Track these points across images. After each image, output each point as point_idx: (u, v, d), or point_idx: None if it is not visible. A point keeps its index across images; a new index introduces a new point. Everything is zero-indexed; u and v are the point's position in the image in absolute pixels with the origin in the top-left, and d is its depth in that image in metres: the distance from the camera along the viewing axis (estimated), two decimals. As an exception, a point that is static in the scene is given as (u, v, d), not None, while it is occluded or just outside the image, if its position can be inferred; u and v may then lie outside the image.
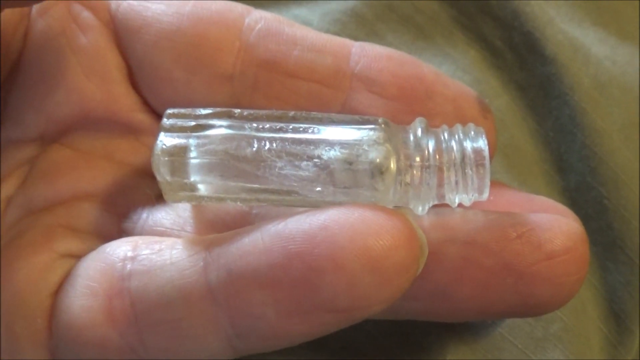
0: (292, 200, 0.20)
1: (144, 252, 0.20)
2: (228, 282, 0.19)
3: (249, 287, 0.18)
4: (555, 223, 0.20)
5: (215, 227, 0.22)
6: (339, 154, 0.19)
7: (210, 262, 0.19)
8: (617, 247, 0.27)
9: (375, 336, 0.25)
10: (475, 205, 0.21)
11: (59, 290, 0.21)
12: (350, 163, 0.19)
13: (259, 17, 0.23)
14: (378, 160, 0.19)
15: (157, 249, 0.20)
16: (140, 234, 0.22)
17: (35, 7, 0.23)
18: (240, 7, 0.23)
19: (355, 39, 0.24)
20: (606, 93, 0.28)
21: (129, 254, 0.20)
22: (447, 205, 0.21)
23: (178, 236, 0.22)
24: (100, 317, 0.20)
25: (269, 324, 0.19)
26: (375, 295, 0.18)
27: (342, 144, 0.19)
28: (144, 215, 0.23)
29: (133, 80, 0.24)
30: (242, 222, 0.22)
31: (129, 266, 0.20)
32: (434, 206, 0.21)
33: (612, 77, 0.28)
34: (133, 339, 0.20)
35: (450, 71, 0.29)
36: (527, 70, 0.29)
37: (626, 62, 0.29)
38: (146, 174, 0.24)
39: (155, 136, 0.20)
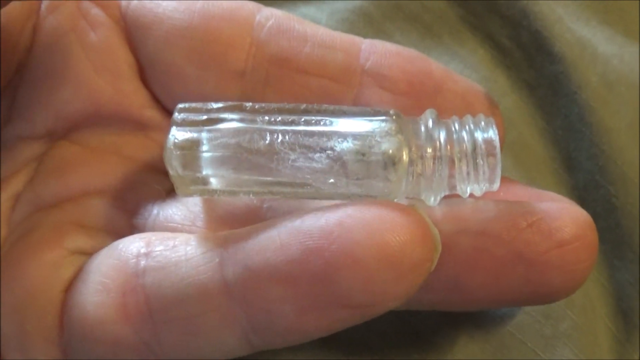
0: (305, 193, 0.20)
1: (158, 249, 0.20)
2: (245, 278, 0.19)
3: (266, 283, 0.19)
4: (564, 211, 0.20)
5: (226, 222, 0.22)
6: (351, 145, 0.19)
7: (227, 258, 0.19)
8: (626, 245, 0.27)
9: (385, 333, 0.25)
10: (484, 197, 0.21)
11: (70, 287, 0.21)
12: (363, 154, 0.19)
13: (270, 14, 0.23)
14: (391, 151, 0.19)
15: (171, 245, 0.20)
16: (152, 229, 0.22)
17: (45, 4, 0.23)
18: (251, 4, 0.23)
19: (363, 37, 0.24)
20: (614, 91, 0.28)
21: (143, 250, 0.20)
22: (458, 196, 0.21)
23: (189, 231, 0.22)
24: (114, 314, 0.20)
25: (285, 320, 0.19)
26: (391, 291, 0.18)
27: (355, 136, 0.19)
28: (155, 211, 0.23)
29: (143, 76, 0.24)
30: (253, 217, 0.22)
31: (143, 263, 0.20)
32: (445, 197, 0.21)
33: (620, 75, 0.28)
34: (147, 336, 0.20)
35: (458, 70, 0.29)
36: (535, 69, 0.29)
37: (634, 60, 0.29)
38: (156, 170, 0.24)
39: (167, 131, 0.20)
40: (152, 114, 0.24)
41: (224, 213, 0.22)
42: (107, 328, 0.20)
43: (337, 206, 0.19)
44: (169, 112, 0.24)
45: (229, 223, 0.22)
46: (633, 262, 0.27)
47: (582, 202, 0.28)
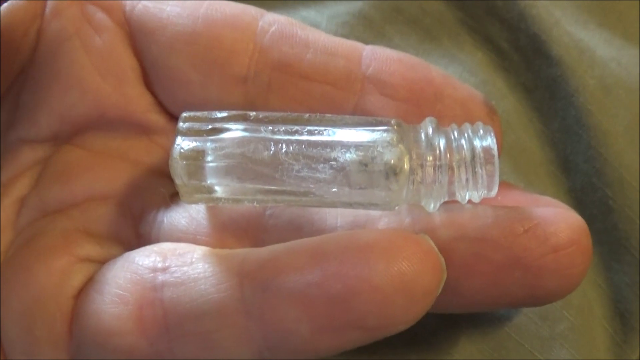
0: (308, 201, 0.20)
1: (175, 264, 0.21)
2: (264, 297, 0.19)
3: (284, 303, 0.19)
4: (559, 217, 0.20)
5: (229, 228, 0.22)
6: (354, 156, 0.20)
7: (246, 277, 0.20)
8: (623, 247, 0.27)
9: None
10: (482, 202, 0.21)
11: (81, 295, 0.22)
12: (366, 165, 0.20)
13: (273, 20, 0.23)
14: (392, 161, 0.19)
15: (188, 261, 0.21)
16: (158, 237, 0.23)
17: (49, 8, 0.24)
18: (253, 9, 0.24)
19: (363, 41, 0.24)
20: (612, 94, 0.28)
21: (159, 265, 0.21)
22: (457, 201, 0.21)
23: (195, 240, 0.22)
24: (130, 325, 0.20)
25: (301, 339, 0.19)
26: (403, 316, 0.19)
27: (357, 146, 0.20)
28: (159, 217, 0.23)
29: (147, 81, 0.24)
30: (255, 224, 0.22)
31: (160, 277, 0.21)
32: (444, 202, 0.21)
33: (618, 78, 0.29)
34: (163, 348, 0.20)
35: (457, 73, 0.29)
36: (533, 72, 0.29)
37: (631, 64, 0.29)
38: (160, 174, 0.24)
39: (172, 139, 0.21)
40: (156, 118, 0.24)
41: (227, 219, 0.22)
42: (123, 339, 0.20)
43: (354, 232, 0.20)
44: (173, 117, 0.24)
45: (232, 230, 0.22)
46: (630, 265, 0.27)
47: (579, 204, 0.28)
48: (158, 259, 0.21)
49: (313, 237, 0.20)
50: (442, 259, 0.20)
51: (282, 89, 0.23)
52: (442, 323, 0.25)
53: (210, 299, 0.20)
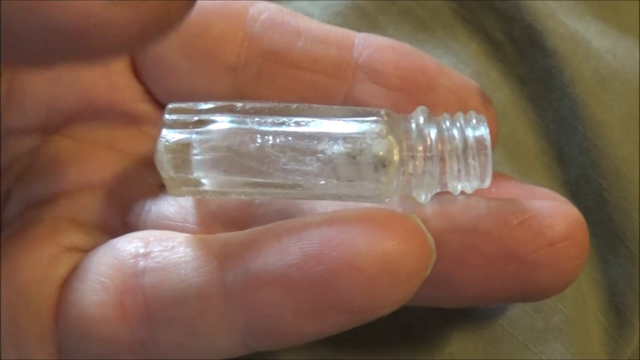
0: (296, 193, 0.20)
1: (157, 249, 0.20)
2: (244, 281, 0.19)
3: (265, 286, 0.19)
4: (555, 209, 0.20)
5: (217, 218, 0.22)
6: (342, 148, 0.19)
7: (226, 261, 0.19)
8: (618, 239, 0.27)
9: (376, 327, 0.25)
10: (476, 193, 0.21)
11: (66, 284, 0.21)
12: (354, 157, 0.19)
13: (263, 8, 0.23)
14: (381, 153, 0.19)
15: (170, 246, 0.20)
16: (145, 225, 0.22)
17: None
18: None
19: (357, 31, 0.24)
20: (607, 86, 0.28)
21: (141, 250, 0.21)
22: (450, 192, 0.21)
23: (182, 228, 0.22)
24: (112, 313, 0.20)
25: (283, 323, 0.19)
26: (389, 297, 0.19)
27: (345, 138, 0.19)
28: (147, 207, 0.23)
29: (136, 70, 0.24)
30: (244, 213, 0.22)
31: (142, 263, 0.20)
32: (437, 194, 0.21)
33: (613, 70, 0.28)
34: (145, 335, 0.20)
35: (451, 64, 0.29)
36: (528, 63, 0.29)
37: (627, 56, 0.29)
38: (149, 164, 0.23)
39: (158, 131, 0.20)
40: (145, 107, 0.24)
41: (216, 208, 0.22)
42: (104, 327, 0.20)
43: (337, 212, 0.19)
44: (161, 106, 0.24)
45: (221, 219, 0.22)
46: (626, 257, 0.27)
47: (574, 196, 0.28)
48: (140, 244, 0.21)
49: (294, 219, 0.19)
50: (431, 239, 0.19)
51: (273, 78, 0.23)
52: (435, 315, 0.25)
53: (190, 284, 0.19)
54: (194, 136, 0.20)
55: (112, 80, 0.24)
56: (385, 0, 0.29)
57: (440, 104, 0.22)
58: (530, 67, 0.29)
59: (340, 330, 0.19)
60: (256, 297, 0.19)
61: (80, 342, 0.21)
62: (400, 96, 0.22)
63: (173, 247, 0.20)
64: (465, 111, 0.21)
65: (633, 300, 0.27)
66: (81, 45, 0.15)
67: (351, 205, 0.21)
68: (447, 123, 0.20)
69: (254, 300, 0.19)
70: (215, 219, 0.22)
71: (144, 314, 0.20)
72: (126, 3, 0.15)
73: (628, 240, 0.27)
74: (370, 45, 0.23)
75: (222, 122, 0.20)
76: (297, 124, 0.20)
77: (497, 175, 0.22)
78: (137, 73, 0.24)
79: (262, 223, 0.21)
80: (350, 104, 0.22)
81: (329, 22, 0.28)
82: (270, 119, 0.20)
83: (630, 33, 0.30)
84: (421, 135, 0.20)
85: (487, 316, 0.26)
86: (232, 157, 0.20)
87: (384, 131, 0.19)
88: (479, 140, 0.20)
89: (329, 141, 0.19)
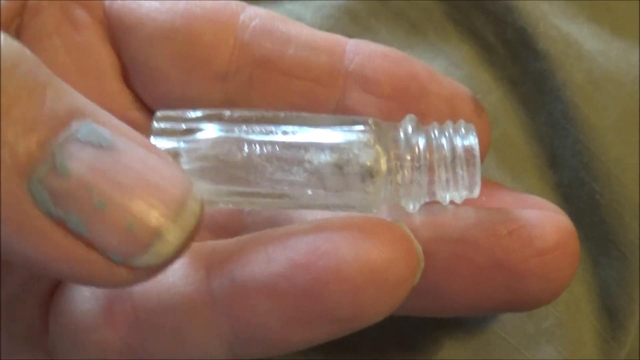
0: (284, 203, 0.20)
1: None
2: (231, 290, 0.19)
3: (252, 295, 0.19)
4: (545, 219, 0.20)
5: (207, 226, 0.22)
6: (329, 158, 0.19)
7: (213, 270, 0.19)
8: (610, 242, 0.27)
9: (369, 334, 0.24)
10: (466, 202, 0.21)
11: (56, 291, 0.21)
12: (341, 167, 0.19)
13: (254, 14, 0.23)
14: (368, 163, 0.19)
15: None
16: None
17: (29, 6, 0.23)
18: (234, 3, 0.23)
19: (349, 34, 0.24)
20: (600, 88, 0.28)
21: None
22: (439, 202, 0.21)
23: None
24: (101, 320, 0.20)
25: (270, 332, 0.19)
26: (376, 306, 0.18)
27: (332, 148, 0.19)
28: None
29: (127, 78, 0.24)
30: (234, 221, 0.22)
31: None
32: (426, 203, 0.21)
33: (606, 72, 0.28)
34: (134, 342, 0.20)
35: (443, 66, 0.28)
36: (519, 65, 0.29)
37: (620, 58, 0.29)
38: None
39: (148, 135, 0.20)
40: (135, 115, 0.24)
41: (206, 217, 0.22)
42: (95, 334, 0.20)
43: (323, 221, 0.19)
44: (152, 113, 0.24)
45: (210, 227, 0.22)
46: (618, 260, 0.27)
47: (566, 199, 0.28)
48: None
49: (281, 227, 0.19)
50: (419, 247, 0.19)
51: (263, 86, 0.23)
52: (426, 321, 0.25)
53: (177, 292, 0.19)
54: (182, 145, 0.20)
55: (103, 88, 0.23)
56: (377, 3, 0.29)
57: (432, 112, 0.22)
58: (522, 70, 0.29)
59: (328, 339, 0.19)
60: (243, 306, 0.19)
61: (71, 348, 0.21)
62: (392, 104, 0.22)
63: None
64: (457, 119, 0.21)
65: (626, 303, 0.27)
66: None
67: (340, 214, 0.21)
68: (436, 132, 0.20)
69: (240, 309, 0.19)
70: (204, 227, 0.22)
71: (132, 322, 0.20)
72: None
73: (620, 243, 0.27)
74: (362, 52, 0.23)
75: (210, 131, 0.20)
76: (285, 132, 0.20)
77: (487, 184, 0.22)
78: (128, 80, 0.24)
79: (252, 231, 0.21)
80: (341, 112, 0.22)
81: (320, 25, 0.28)
82: (258, 128, 0.20)
83: (624, 34, 0.30)
84: (409, 145, 0.20)
85: (479, 320, 0.26)
86: (219, 166, 0.19)
87: (371, 141, 0.19)
88: (468, 150, 0.20)
89: (316, 151, 0.19)
